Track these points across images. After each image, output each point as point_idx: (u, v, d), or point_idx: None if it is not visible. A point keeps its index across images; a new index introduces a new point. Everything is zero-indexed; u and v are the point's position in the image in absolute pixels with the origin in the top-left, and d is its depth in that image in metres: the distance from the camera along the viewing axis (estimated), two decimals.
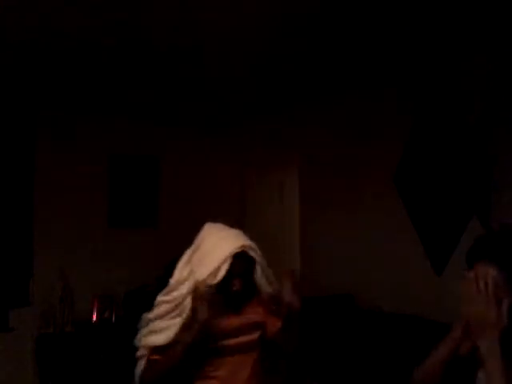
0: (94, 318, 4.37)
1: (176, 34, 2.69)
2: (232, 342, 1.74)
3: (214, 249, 1.75)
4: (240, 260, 1.75)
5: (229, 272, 1.71)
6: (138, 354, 1.81)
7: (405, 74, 3.40)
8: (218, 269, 1.70)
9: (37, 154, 4.39)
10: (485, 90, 2.93)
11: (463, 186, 3.05)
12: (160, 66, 3.26)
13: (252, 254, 1.83)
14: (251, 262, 1.83)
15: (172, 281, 1.82)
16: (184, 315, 1.70)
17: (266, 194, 5.27)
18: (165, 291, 1.84)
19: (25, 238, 4.27)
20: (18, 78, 3.48)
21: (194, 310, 1.66)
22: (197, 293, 1.67)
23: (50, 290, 4.22)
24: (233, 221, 5.99)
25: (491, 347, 1.12)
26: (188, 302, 1.71)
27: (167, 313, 1.78)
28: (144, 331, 1.82)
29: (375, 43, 2.84)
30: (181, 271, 1.82)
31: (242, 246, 1.76)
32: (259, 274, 1.89)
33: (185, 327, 1.67)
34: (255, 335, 1.83)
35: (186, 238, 5.72)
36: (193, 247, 1.88)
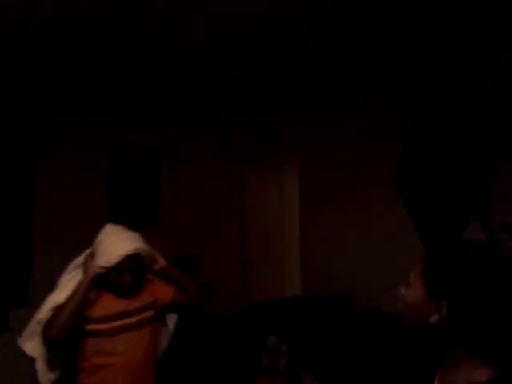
0: None
1: (176, 35, 2.69)
2: (121, 323, 2.10)
3: (114, 246, 2.11)
4: (132, 259, 2.09)
5: (121, 268, 2.08)
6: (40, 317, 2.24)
7: (405, 75, 3.41)
8: (111, 262, 2.08)
9: (37, 154, 4.39)
10: (485, 90, 2.93)
11: (463, 185, 3.06)
12: (160, 66, 3.26)
13: (143, 254, 2.18)
14: (141, 260, 2.20)
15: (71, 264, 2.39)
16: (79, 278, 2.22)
17: (266, 194, 5.28)
18: (65, 272, 2.42)
19: (25, 238, 4.27)
20: (18, 78, 3.48)
21: (85, 264, 2.22)
22: (90, 262, 2.18)
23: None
24: (233, 221, 6.03)
25: None
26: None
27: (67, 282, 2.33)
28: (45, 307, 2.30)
29: (375, 44, 2.84)
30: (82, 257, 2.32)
31: (136, 249, 2.11)
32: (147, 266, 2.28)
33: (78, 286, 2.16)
34: (148, 314, 2.18)
35: (186, 238, 5.77)
36: (96, 242, 2.25)
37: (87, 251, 2.32)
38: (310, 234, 4.44)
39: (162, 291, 2.29)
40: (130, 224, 5.48)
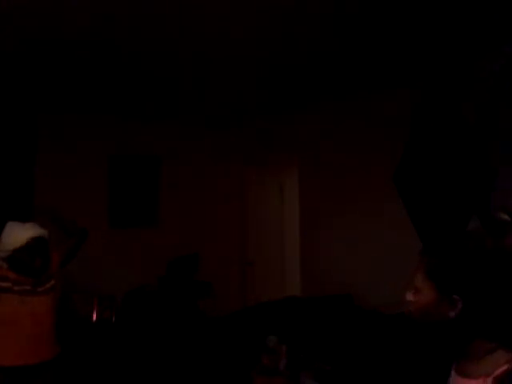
0: (94, 317, 4.37)
1: (177, 35, 2.69)
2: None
3: (17, 234, 2.44)
4: (39, 244, 2.45)
5: (32, 253, 2.43)
6: None
7: (405, 75, 3.41)
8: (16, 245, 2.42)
9: (37, 154, 4.39)
10: (485, 90, 2.93)
11: (463, 185, 3.06)
12: (161, 66, 3.26)
13: (46, 237, 2.51)
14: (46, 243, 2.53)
15: None
16: None
17: (266, 193, 5.28)
18: None
19: None
20: (19, 78, 3.48)
21: None
22: None
23: None
24: (233, 221, 6.02)
25: None
26: None
27: None
28: None
29: (375, 44, 2.84)
30: None
31: (40, 234, 2.48)
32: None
33: None
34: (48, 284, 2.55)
35: (186, 238, 5.76)
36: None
37: None
38: (310, 234, 4.44)
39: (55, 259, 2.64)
40: (130, 224, 5.48)
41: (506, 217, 1.39)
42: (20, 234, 2.45)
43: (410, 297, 1.14)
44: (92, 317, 4.38)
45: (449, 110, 3.16)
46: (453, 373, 1.13)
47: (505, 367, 1.00)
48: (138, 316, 4.39)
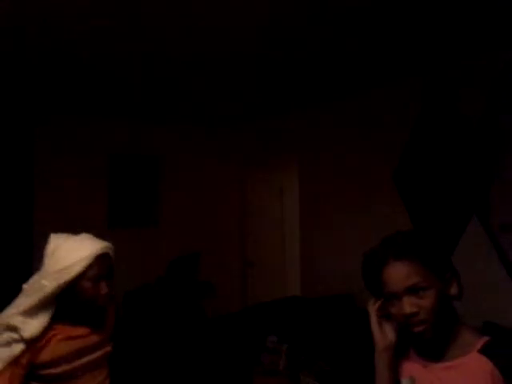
0: None
1: (176, 36, 2.69)
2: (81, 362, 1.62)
3: (73, 252, 1.67)
4: (104, 261, 1.66)
5: (95, 275, 1.60)
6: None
7: (405, 75, 3.41)
8: (78, 266, 1.59)
9: (37, 154, 4.39)
10: (488, 90, 2.93)
11: (463, 185, 3.06)
12: (160, 66, 3.26)
13: (112, 255, 1.74)
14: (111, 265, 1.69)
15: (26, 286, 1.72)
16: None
17: (266, 194, 5.28)
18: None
19: (25, 238, 4.27)
20: (18, 78, 3.48)
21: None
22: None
23: None
24: (233, 221, 6.02)
25: (379, 370, 1.17)
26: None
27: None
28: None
29: (375, 43, 2.84)
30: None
31: (105, 248, 1.71)
32: None
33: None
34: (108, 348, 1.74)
35: (186, 238, 5.77)
36: (46, 260, 1.69)
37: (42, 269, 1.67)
38: (310, 234, 4.44)
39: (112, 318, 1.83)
40: (130, 224, 5.49)
41: None
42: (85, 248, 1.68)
43: (414, 308, 1.10)
44: None
45: (449, 110, 3.16)
46: (415, 357, 1.18)
47: (481, 343, 1.10)
48: (138, 316, 4.39)
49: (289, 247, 5.16)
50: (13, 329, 1.52)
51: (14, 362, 1.49)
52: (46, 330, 1.55)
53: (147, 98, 4.18)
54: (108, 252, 1.73)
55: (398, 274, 1.13)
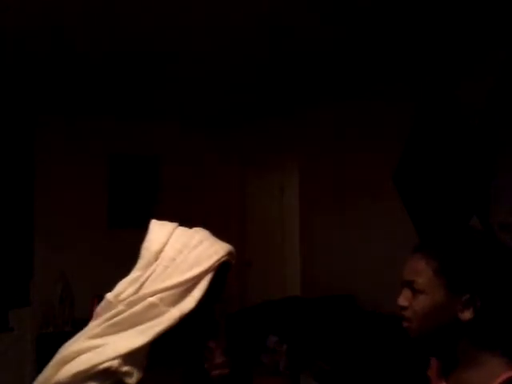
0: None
1: (177, 35, 2.69)
2: None
3: (212, 247, 1.15)
4: (224, 273, 1.12)
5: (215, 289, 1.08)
6: None
7: (405, 74, 3.41)
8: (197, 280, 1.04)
9: (37, 154, 4.39)
10: (488, 89, 2.93)
11: (463, 185, 3.06)
12: (160, 66, 3.26)
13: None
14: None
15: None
16: None
17: (266, 194, 5.27)
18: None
19: (25, 239, 4.27)
20: (18, 78, 3.48)
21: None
22: None
23: (50, 290, 4.22)
24: (233, 221, 6.00)
25: None
26: None
27: None
28: None
29: (375, 43, 2.84)
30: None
31: (231, 253, 1.14)
32: None
33: None
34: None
35: None
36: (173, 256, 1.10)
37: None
38: (310, 234, 4.44)
39: None
40: (130, 224, 5.48)
41: None
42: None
43: (404, 302, 1.03)
44: (92, 317, 4.38)
45: (448, 110, 3.16)
46: (444, 382, 1.03)
47: (504, 377, 0.92)
48: None
49: (289, 247, 5.15)
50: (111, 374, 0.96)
51: None
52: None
53: (147, 98, 4.18)
54: (230, 260, 1.19)
55: (408, 264, 1.06)
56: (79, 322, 4.40)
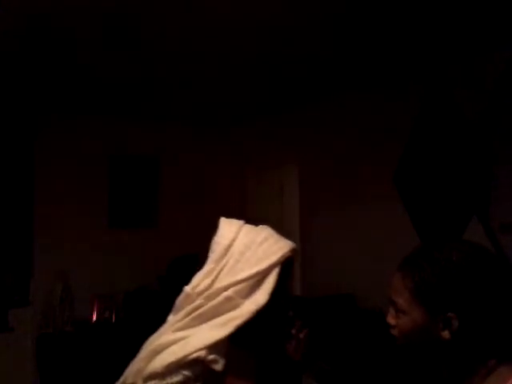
0: (94, 318, 4.37)
1: (176, 35, 2.69)
2: None
3: (276, 244, 1.15)
4: (289, 268, 1.16)
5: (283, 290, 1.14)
6: None
7: (405, 74, 3.41)
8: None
9: (37, 154, 4.39)
10: (488, 90, 2.93)
11: (463, 185, 3.06)
12: (160, 66, 3.26)
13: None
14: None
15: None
16: None
17: (266, 194, 5.27)
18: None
19: (25, 238, 4.27)
20: (18, 78, 3.48)
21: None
22: None
23: (50, 290, 4.22)
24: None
25: None
26: None
27: None
28: None
29: (375, 43, 2.84)
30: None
31: (294, 249, 1.17)
32: None
33: None
34: None
35: (185, 238, 5.75)
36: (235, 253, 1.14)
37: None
38: (310, 234, 4.44)
39: None
40: (130, 224, 5.47)
41: None
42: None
43: (391, 321, 1.03)
44: (92, 317, 4.38)
45: (449, 111, 3.16)
46: None
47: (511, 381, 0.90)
48: (138, 316, 4.39)
49: None
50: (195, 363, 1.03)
51: None
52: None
53: (147, 98, 4.18)
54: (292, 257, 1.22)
55: (391, 282, 1.06)
56: (79, 322, 4.42)
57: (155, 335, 1.11)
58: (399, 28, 2.61)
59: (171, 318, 1.13)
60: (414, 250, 1.05)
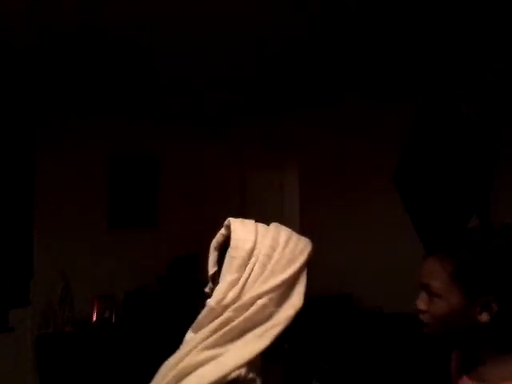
0: (94, 318, 4.37)
1: (176, 34, 2.69)
2: None
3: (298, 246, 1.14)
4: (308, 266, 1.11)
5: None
6: None
7: (405, 74, 3.41)
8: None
9: (37, 154, 4.39)
10: (488, 90, 2.93)
11: (463, 185, 3.06)
12: (160, 66, 3.26)
13: None
14: None
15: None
16: None
17: (266, 193, 5.27)
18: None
19: (25, 238, 4.27)
20: (17, 78, 3.48)
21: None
22: None
23: (50, 290, 4.22)
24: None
25: None
26: None
27: None
28: None
29: (375, 43, 2.84)
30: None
31: (312, 246, 1.16)
32: None
33: None
34: None
35: (185, 238, 5.76)
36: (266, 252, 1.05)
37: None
38: (310, 233, 4.42)
39: None
40: (130, 224, 5.47)
41: None
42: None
43: (422, 306, 1.03)
44: (92, 317, 4.38)
45: (449, 111, 3.16)
46: (465, 379, 1.04)
47: None
48: (138, 316, 4.39)
49: None
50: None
51: None
52: None
53: (147, 98, 4.18)
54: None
55: (424, 266, 1.05)
56: (79, 322, 4.42)
57: (174, 357, 0.97)
58: (399, 28, 2.61)
59: (192, 337, 0.97)
60: (445, 237, 1.06)
